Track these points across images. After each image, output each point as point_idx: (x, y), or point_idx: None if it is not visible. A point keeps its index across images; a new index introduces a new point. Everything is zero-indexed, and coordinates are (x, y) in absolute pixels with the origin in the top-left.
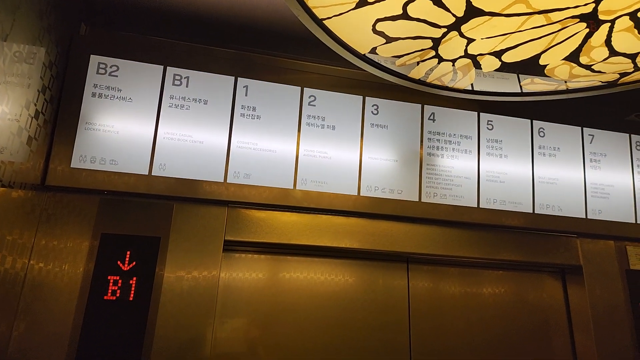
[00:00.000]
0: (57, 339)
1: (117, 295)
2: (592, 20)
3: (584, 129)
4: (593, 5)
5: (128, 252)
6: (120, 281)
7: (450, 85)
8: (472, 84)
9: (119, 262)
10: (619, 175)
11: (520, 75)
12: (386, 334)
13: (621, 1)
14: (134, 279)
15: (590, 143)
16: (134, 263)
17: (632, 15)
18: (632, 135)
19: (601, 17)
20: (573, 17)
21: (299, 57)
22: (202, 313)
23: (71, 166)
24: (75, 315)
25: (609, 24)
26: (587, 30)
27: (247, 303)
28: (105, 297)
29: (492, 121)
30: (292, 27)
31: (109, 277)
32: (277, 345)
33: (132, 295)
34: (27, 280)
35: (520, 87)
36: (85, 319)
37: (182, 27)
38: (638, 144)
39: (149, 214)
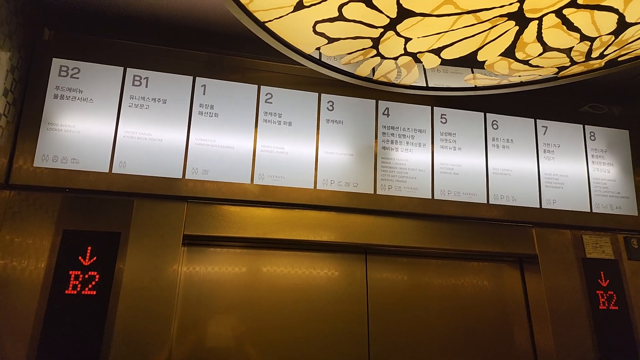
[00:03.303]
0: (20, 332)
1: (78, 289)
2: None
3: (538, 120)
4: (518, 4)
5: (89, 248)
6: (81, 276)
7: (397, 81)
8: (425, 78)
9: (80, 258)
10: (573, 166)
11: (473, 69)
12: (345, 323)
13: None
14: (95, 273)
15: (544, 134)
16: (95, 258)
17: (557, 13)
18: (585, 125)
19: (528, 15)
20: (501, 15)
21: (256, 56)
22: (162, 306)
23: (34, 165)
24: (37, 309)
25: (537, 22)
26: (517, 27)
27: (207, 296)
28: (66, 292)
29: (445, 115)
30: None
31: (70, 272)
32: (237, 336)
33: (92, 289)
34: None
35: (475, 84)
36: (47, 313)
37: (141, 29)
38: (592, 134)
39: (109, 210)
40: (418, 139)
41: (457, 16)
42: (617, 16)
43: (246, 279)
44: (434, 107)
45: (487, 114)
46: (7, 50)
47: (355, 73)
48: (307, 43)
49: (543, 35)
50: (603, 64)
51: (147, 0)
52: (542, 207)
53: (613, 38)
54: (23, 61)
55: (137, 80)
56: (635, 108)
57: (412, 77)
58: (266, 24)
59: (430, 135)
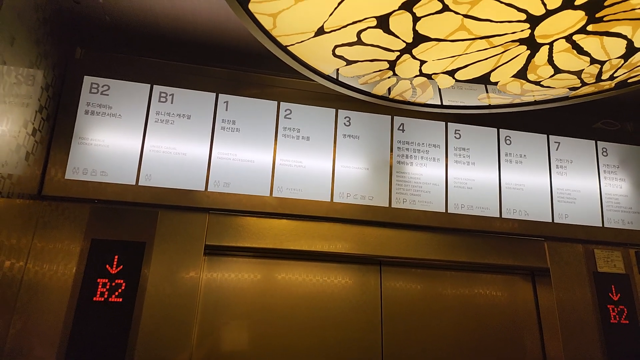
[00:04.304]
0: (50, 336)
1: (105, 296)
2: None
3: (550, 136)
4: (529, 31)
5: (116, 257)
6: (108, 283)
7: (412, 100)
8: (440, 97)
9: (107, 266)
10: (585, 181)
11: (487, 87)
12: (360, 333)
13: (555, 26)
14: (121, 281)
15: (557, 150)
16: (122, 267)
17: (567, 38)
18: (598, 141)
19: (539, 40)
20: (513, 41)
21: (276, 73)
22: (183, 313)
23: (65, 177)
24: (66, 315)
25: (547, 46)
26: (529, 51)
27: (227, 304)
28: (94, 299)
29: (459, 130)
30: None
31: (98, 280)
32: (255, 343)
33: (119, 296)
34: (24, 282)
35: (489, 103)
36: (75, 319)
37: (167, 47)
38: (604, 150)
39: (135, 220)
40: (432, 154)
41: (471, 41)
42: (625, 42)
43: (265, 288)
44: (448, 123)
45: (500, 129)
46: (42, 69)
47: (372, 92)
48: (327, 65)
49: (554, 58)
50: (613, 85)
51: (173, 20)
52: (555, 221)
53: (622, 61)
54: (57, 79)
55: (163, 97)
56: None
57: (427, 96)
58: (288, 48)
59: (444, 150)
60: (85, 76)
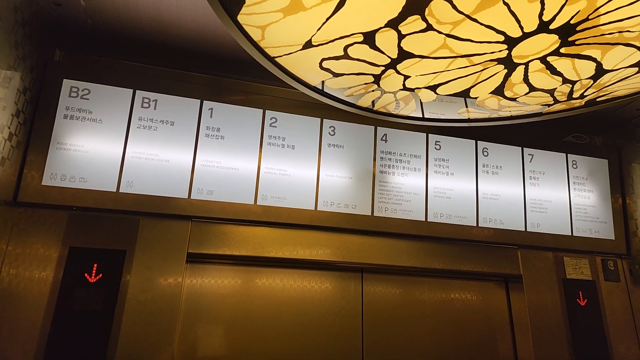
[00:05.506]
0: (26, 346)
1: (83, 305)
2: None
3: (525, 149)
4: (507, 51)
5: (95, 265)
6: (86, 292)
7: (395, 112)
8: (422, 110)
9: (86, 274)
10: (556, 192)
11: (466, 99)
12: (341, 338)
13: (531, 48)
14: (100, 290)
15: (530, 162)
16: (101, 275)
17: (542, 59)
18: (568, 154)
19: (515, 60)
20: (491, 60)
21: (262, 81)
22: (165, 324)
23: (42, 183)
24: (43, 324)
25: (523, 66)
26: (506, 70)
27: (210, 313)
28: (72, 308)
29: (439, 142)
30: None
31: (76, 289)
32: (237, 348)
33: (97, 305)
34: None
35: (469, 117)
36: (52, 328)
37: (151, 52)
38: (574, 162)
39: (115, 228)
40: (413, 164)
41: (452, 59)
42: (595, 64)
43: (248, 295)
44: (429, 135)
45: (478, 141)
46: (20, 71)
47: (357, 104)
48: (314, 76)
49: (529, 77)
50: (583, 103)
51: (157, 24)
52: (527, 230)
53: (592, 82)
54: (35, 82)
55: (146, 102)
56: (614, 139)
57: (410, 108)
58: (276, 59)
59: (425, 161)
60: (64, 79)
